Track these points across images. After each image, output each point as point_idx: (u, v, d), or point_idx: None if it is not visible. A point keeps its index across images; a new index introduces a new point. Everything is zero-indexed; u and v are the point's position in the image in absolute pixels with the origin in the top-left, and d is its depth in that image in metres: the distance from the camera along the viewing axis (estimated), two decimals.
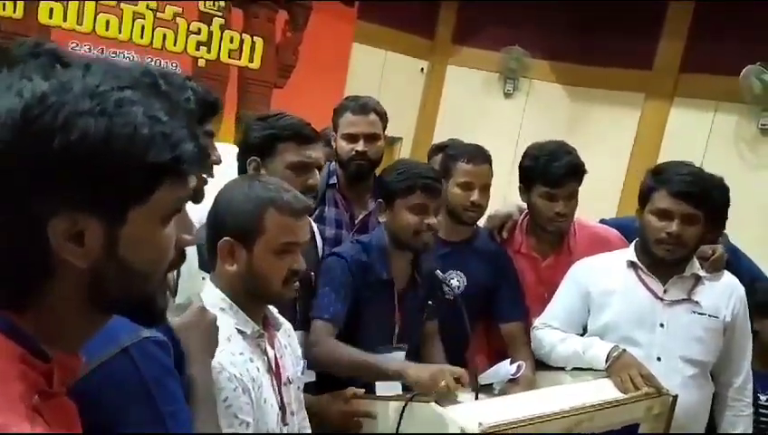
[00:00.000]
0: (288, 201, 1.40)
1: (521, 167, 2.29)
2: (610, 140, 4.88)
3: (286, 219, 1.40)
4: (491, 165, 2.25)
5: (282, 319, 1.57)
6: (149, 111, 0.64)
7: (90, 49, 3.77)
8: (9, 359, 0.63)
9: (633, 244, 2.13)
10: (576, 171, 2.21)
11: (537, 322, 2.21)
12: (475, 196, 2.18)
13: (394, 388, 1.93)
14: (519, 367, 1.99)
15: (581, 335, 2.13)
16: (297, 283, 1.46)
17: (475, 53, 5.45)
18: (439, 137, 5.42)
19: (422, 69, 5.50)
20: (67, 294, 0.67)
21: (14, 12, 3.48)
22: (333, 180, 2.36)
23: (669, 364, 1.99)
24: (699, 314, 2.02)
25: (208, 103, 1.54)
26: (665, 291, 2.04)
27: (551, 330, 2.16)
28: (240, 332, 1.39)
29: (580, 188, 2.25)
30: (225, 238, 1.39)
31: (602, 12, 5.00)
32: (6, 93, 0.62)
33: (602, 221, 2.59)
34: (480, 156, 2.23)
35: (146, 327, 0.91)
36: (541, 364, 2.16)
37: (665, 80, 4.79)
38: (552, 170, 2.18)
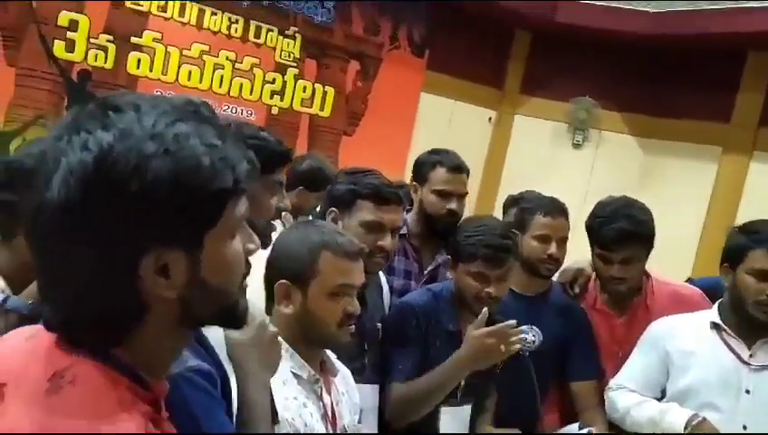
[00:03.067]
0: (342, 244, 1.42)
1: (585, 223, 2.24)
2: (685, 194, 4.72)
3: (340, 261, 1.41)
4: (567, 218, 2.22)
5: (340, 365, 1.56)
6: (205, 140, 0.68)
7: None
8: (122, 388, 0.68)
9: (717, 304, 2.04)
10: (631, 237, 2.09)
11: (612, 383, 2.12)
12: (552, 249, 2.15)
13: (460, 420, 1.89)
14: (589, 433, 1.92)
15: (659, 399, 2.03)
16: (353, 326, 1.46)
17: (544, 104, 5.42)
18: (506, 187, 5.38)
19: (490, 118, 5.51)
20: (160, 324, 0.72)
21: (105, 62, 3.70)
22: (404, 230, 2.32)
23: (756, 433, 1.87)
24: None
25: (279, 153, 1.58)
26: (751, 355, 1.93)
27: (626, 392, 2.07)
28: (296, 375, 1.39)
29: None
30: (281, 281, 1.41)
31: (676, 62, 4.91)
32: (69, 149, 0.65)
33: (690, 281, 2.49)
34: (557, 209, 2.20)
35: (234, 329, 0.92)
36: (615, 428, 2.07)
37: (743, 133, 4.63)
38: (603, 233, 2.11)
